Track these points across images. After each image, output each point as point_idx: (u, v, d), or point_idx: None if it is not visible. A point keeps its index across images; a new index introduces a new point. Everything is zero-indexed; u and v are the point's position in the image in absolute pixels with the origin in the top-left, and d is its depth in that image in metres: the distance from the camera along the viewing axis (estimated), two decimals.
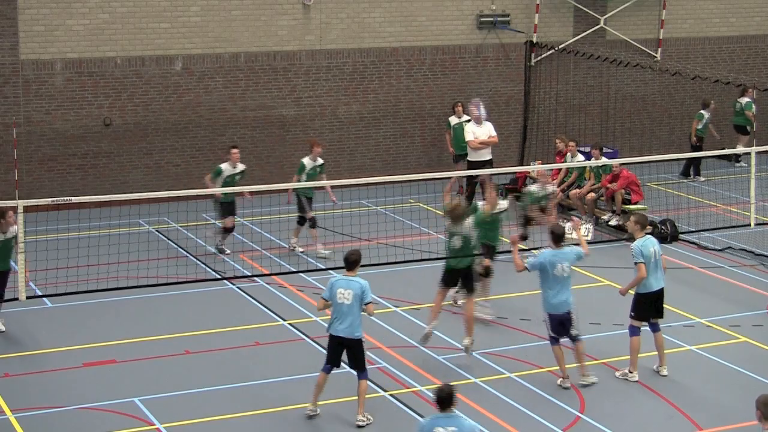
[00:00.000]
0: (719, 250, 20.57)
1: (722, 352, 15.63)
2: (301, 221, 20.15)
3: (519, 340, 16.10)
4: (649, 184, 24.38)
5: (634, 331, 14.68)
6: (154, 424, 13.40)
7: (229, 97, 24.34)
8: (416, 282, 18.30)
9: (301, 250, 20.17)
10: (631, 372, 14.70)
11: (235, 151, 20.09)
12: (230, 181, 19.95)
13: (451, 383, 10.37)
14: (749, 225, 19.10)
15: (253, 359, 15.47)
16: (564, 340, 14.45)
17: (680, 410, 13.68)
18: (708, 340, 16.07)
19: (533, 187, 19.97)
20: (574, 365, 14.52)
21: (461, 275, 15.60)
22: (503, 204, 17.25)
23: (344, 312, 13.24)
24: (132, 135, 23.75)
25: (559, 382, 14.46)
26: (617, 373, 14.77)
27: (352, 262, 13.45)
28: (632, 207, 21.72)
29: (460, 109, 24.32)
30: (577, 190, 22.25)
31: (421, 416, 13.60)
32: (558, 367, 14.44)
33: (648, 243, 14.57)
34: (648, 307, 14.64)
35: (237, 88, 24.37)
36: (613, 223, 21.75)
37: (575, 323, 14.40)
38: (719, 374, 15.05)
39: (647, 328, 14.76)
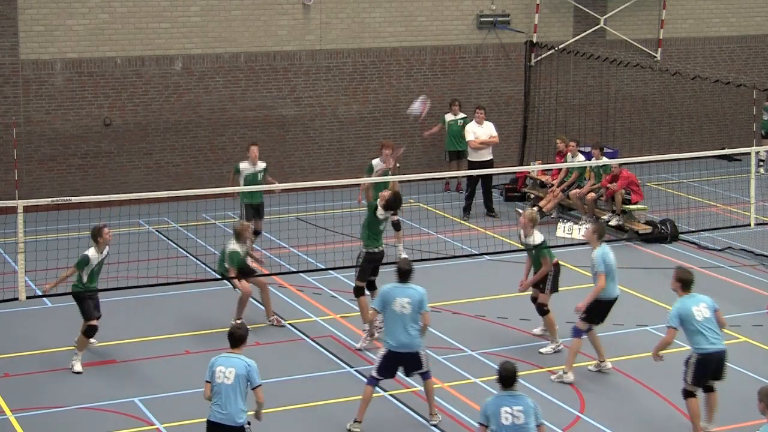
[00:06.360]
0: (719, 250, 20.56)
1: None
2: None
3: (519, 340, 16.10)
4: (649, 184, 24.37)
5: None
6: (154, 424, 13.40)
7: (229, 97, 24.33)
8: (416, 282, 18.21)
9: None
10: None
11: (254, 148, 19.20)
12: (252, 180, 19.09)
13: (512, 362, 10.65)
14: (749, 225, 19.08)
15: (253, 359, 15.40)
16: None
17: (680, 410, 13.66)
18: None
19: (375, 161, 18.93)
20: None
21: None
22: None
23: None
24: (132, 135, 23.74)
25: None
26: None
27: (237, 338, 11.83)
28: (632, 207, 21.73)
29: (457, 107, 24.42)
30: (577, 190, 22.24)
31: (421, 416, 13.62)
32: None
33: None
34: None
35: (237, 88, 24.36)
36: (613, 223, 21.73)
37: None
38: None
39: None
